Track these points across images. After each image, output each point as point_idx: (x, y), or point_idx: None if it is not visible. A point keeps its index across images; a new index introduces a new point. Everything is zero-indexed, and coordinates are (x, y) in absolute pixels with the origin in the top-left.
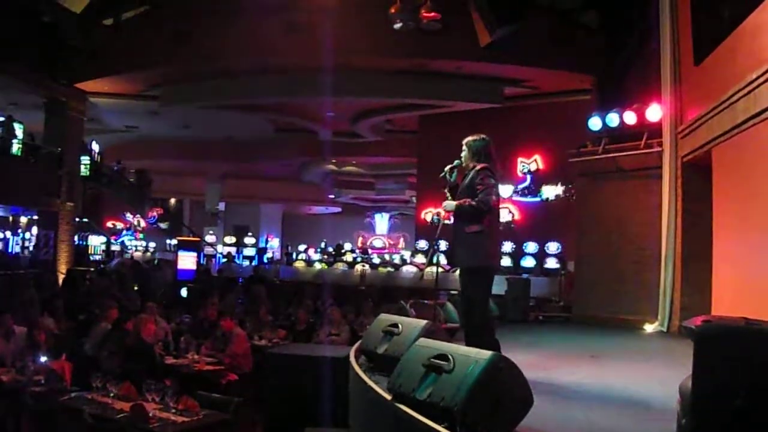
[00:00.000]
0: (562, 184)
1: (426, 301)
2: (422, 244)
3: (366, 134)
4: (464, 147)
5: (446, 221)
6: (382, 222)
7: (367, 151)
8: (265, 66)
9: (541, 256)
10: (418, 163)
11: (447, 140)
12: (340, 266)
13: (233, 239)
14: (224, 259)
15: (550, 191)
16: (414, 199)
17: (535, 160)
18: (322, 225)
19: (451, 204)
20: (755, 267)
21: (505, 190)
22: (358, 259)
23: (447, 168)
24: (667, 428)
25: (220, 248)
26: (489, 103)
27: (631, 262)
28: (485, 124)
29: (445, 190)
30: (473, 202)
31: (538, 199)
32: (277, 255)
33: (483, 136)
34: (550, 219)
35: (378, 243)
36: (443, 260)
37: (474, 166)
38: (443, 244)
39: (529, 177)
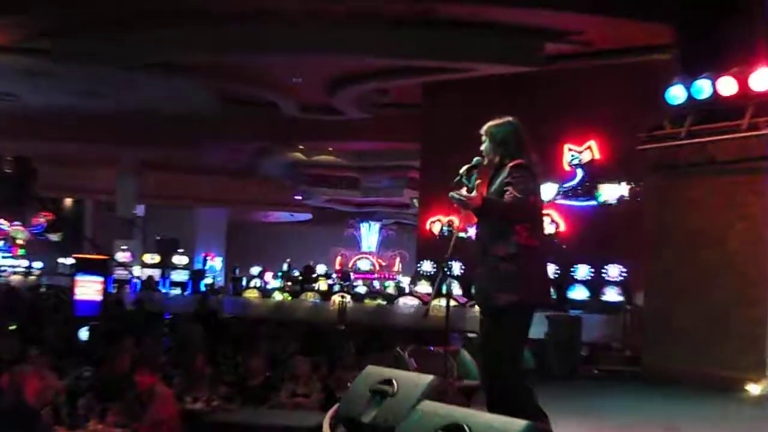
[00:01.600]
0: (627, 182)
1: (432, 348)
2: (427, 266)
3: (348, 110)
4: (484, 137)
5: (461, 234)
6: (370, 235)
7: (350, 133)
8: (208, 8)
9: (596, 284)
10: (421, 152)
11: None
12: (311, 297)
13: (156, 258)
14: (143, 287)
15: (610, 192)
16: (416, 202)
17: (589, 148)
18: (284, 238)
19: (466, 199)
20: None
21: (546, 190)
22: (336, 288)
23: (464, 169)
24: None
25: (137, 271)
26: (523, 65)
27: (730, 293)
28: (518, 96)
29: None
30: (510, 200)
31: (592, 202)
32: (220, 281)
33: (509, 119)
34: (610, 231)
35: (364, 265)
36: (456, 289)
37: (501, 163)
38: (457, 267)
39: (580, 172)
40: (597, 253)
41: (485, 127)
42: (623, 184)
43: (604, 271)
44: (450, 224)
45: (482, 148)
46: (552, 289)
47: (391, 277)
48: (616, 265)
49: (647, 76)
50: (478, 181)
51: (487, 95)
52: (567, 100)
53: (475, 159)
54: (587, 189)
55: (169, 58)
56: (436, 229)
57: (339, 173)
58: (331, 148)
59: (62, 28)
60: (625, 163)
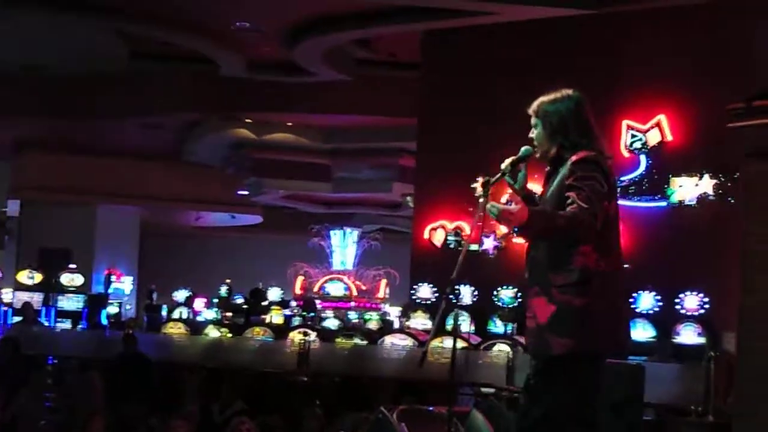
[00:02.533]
0: (712, 175)
1: (431, 409)
2: (425, 291)
3: (316, 68)
4: (534, 119)
5: (474, 246)
6: (344, 246)
7: (319, 102)
8: None
9: (666, 319)
10: (418, 131)
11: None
12: (260, 334)
13: (37, 277)
14: (17, 317)
15: (688, 188)
16: (410, 201)
17: (657, 126)
18: (223, 251)
19: (506, 213)
20: None
21: None
22: (296, 321)
23: (507, 163)
24: None
25: (7, 295)
26: (568, 7)
27: None
28: (553, 53)
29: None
30: (569, 214)
31: (661, 203)
32: (131, 311)
33: (568, 92)
34: (687, 244)
35: (336, 289)
36: (466, 325)
37: (560, 156)
38: (467, 293)
39: (643, 160)
40: (668, 275)
41: (535, 105)
42: (706, 177)
43: (677, 301)
44: (458, 232)
45: (533, 134)
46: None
47: (374, 306)
48: (694, 293)
49: (740, 22)
50: (525, 175)
51: (511, 51)
52: (624, 58)
53: (523, 149)
54: (654, 184)
55: None
56: (438, 239)
57: (302, 159)
58: (290, 123)
59: None
60: (710, 147)
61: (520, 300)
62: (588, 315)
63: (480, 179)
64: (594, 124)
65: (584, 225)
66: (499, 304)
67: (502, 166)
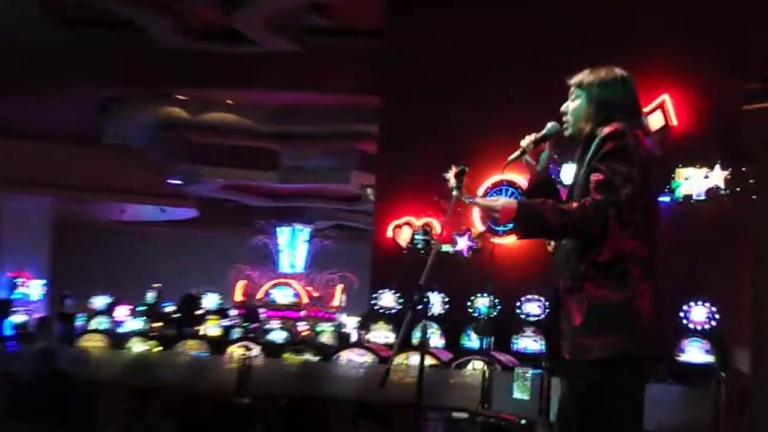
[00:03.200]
0: (724, 165)
1: None
2: (387, 299)
3: (261, 36)
4: (575, 92)
5: (445, 247)
6: (294, 246)
7: (264, 76)
8: None
9: (669, 333)
10: (382, 110)
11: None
12: (193, 348)
13: None
14: None
15: (695, 181)
16: (370, 193)
17: (661, 108)
18: (151, 250)
19: (490, 208)
20: None
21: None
22: (237, 334)
23: (529, 140)
24: None
25: None
26: None
27: None
28: (543, 16)
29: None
30: (573, 208)
31: (665, 199)
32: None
33: (622, 74)
34: (695, 246)
35: (284, 295)
36: (437, 339)
37: (592, 134)
38: (437, 301)
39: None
40: (671, 282)
41: (581, 79)
42: (718, 167)
43: (683, 312)
44: (427, 231)
45: (566, 107)
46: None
47: (327, 316)
48: (701, 303)
49: None
50: (548, 156)
51: (495, 18)
52: (621, 30)
53: (550, 125)
54: (657, 176)
55: None
56: (403, 238)
57: (244, 143)
58: (231, 101)
59: None
60: (723, 133)
61: (498, 309)
62: (630, 311)
63: (453, 168)
64: (641, 108)
65: (590, 222)
66: (474, 314)
67: (523, 143)
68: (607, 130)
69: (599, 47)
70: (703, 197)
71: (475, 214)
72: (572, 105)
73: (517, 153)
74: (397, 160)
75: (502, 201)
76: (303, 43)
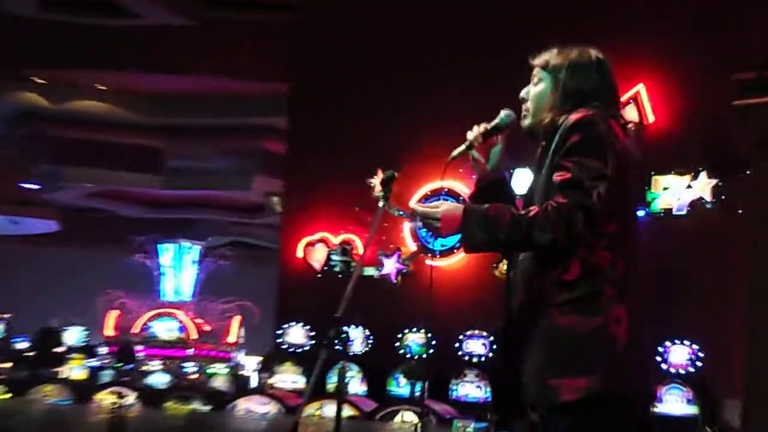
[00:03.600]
0: (709, 173)
1: None
2: (296, 334)
3: (141, 7)
4: (538, 75)
5: (369, 270)
6: (180, 268)
7: (145, 57)
8: None
9: None
10: (290, 102)
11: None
12: (51, 394)
13: None
14: None
15: (676, 191)
16: (277, 203)
17: (635, 100)
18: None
19: (423, 211)
20: None
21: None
22: (107, 377)
23: (477, 131)
24: None
25: None
26: None
27: None
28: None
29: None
30: (533, 213)
31: (640, 213)
32: None
33: (598, 56)
34: (674, 271)
35: (166, 329)
36: (357, 384)
37: (554, 126)
38: (358, 337)
39: None
40: (646, 316)
41: (546, 58)
42: (703, 175)
43: (661, 354)
44: (346, 250)
45: (527, 92)
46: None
47: (221, 355)
48: (683, 343)
49: None
50: (500, 150)
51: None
52: (587, 7)
53: (503, 113)
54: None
55: None
56: (316, 258)
57: (120, 139)
58: (103, 87)
59: None
60: (708, 134)
61: (434, 348)
62: (602, 341)
63: (380, 173)
64: (619, 96)
65: (554, 230)
66: (404, 354)
67: (470, 135)
68: (573, 117)
69: (562, 25)
70: (684, 211)
71: (407, 229)
72: (534, 90)
73: (462, 147)
74: (310, 162)
75: (444, 207)
76: (196, 16)
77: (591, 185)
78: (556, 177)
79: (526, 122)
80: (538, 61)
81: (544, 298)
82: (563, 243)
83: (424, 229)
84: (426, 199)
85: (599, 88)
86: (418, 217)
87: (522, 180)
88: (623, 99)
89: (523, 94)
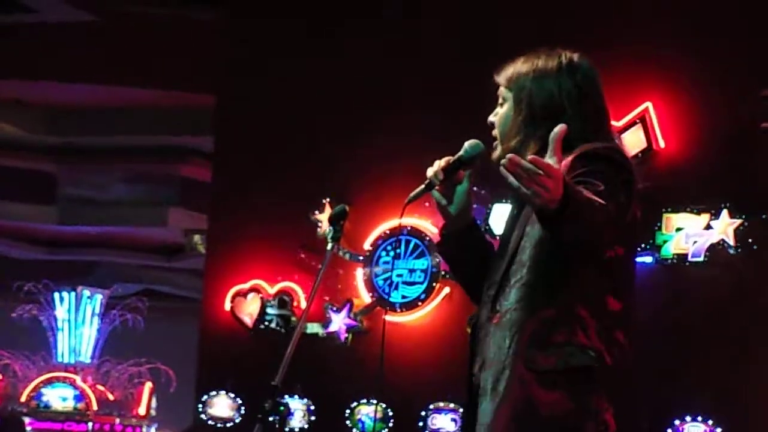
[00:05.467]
0: (732, 210)
1: None
2: (222, 405)
3: (43, 4)
4: (503, 90)
5: (312, 326)
6: (78, 324)
7: (39, 61)
8: None
9: None
10: (217, 116)
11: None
12: None
13: None
14: None
15: (691, 233)
16: (199, 243)
17: (641, 122)
18: None
19: (546, 173)
20: None
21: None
22: None
23: (437, 166)
24: None
25: None
26: None
27: None
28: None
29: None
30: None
31: (646, 259)
32: None
33: (571, 57)
34: (688, 331)
35: (61, 397)
36: None
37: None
38: (299, 410)
39: None
40: (655, 387)
41: (509, 71)
42: (724, 214)
43: None
44: (284, 301)
45: (494, 117)
46: None
47: (129, 430)
48: (697, 420)
49: None
50: (465, 191)
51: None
52: (585, 16)
53: (469, 145)
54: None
55: None
56: (248, 311)
57: (5, 161)
58: None
59: None
60: (731, 162)
61: (392, 424)
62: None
63: (328, 207)
64: (608, 114)
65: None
66: (355, 430)
67: (430, 172)
68: (580, 151)
69: (557, 37)
70: (702, 257)
71: (360, 276)
72: (500, 112)
73: (422, 187)
74: (241, 193)
75: (552, 164)
76: (101, 11)
77: (621, 209)
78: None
79: (496, 153)
80: (500, 76)
81: (519, 360)
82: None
83: (516, 184)
84: (382, 240)
85: (577, 104)
86: (513, 173)
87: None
88: (627, 120)
89: (491, 118)
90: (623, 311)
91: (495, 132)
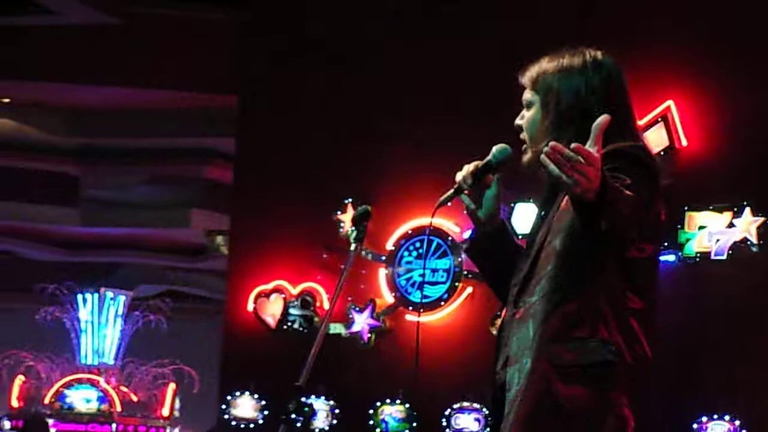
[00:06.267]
0: (756, 208)
1: None
2: (245, 405)
3: (57, 2)
4: (528, 93)
5: (336, 326)
6: (102, 325)
7: (59, 63)
8: None
9: None
10: (240, 117)
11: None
12: None
13: None
14: None
15: (714, 231)
16: (221, 244)
17: (663, 120)
18: None
19: (585, 164)
20: None
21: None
22: None
23: (467, 171)
24: None
25: None
26: None
27: None
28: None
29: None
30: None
31: (669, 257)
32: None
33: (595, 55)
34: (711, 330)
35: (85, 399)
36: None
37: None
38: (323, 410)
39: None
40: (677, 386)
41: (534, 72)
42: (747, 212)
43: (696, 430)
44: (307, 301)
45: (521, 119)
46: None
47: (152, 431)
48: (722, 419)
49: None
50: (495, 194)
51: None
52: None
53: (497, 149)
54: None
55: None
56: (271, 312)
57: (27, 163)
58: (7, 99)
59: None
60: (755, 161)
61: (417, 424)
62: (607, 422)
63: (350, 208)
64: (634, 115)
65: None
66: (379, 430)
67: (459, 176)
68: (610, 147)
69: (576, 34)
70: (725, 255)
71: (383, 277)
72: (527, 115)
73: (451, 192)
74: (263, 194)
75: (592, 150)
76: (124, 14)
77: (647, 207)
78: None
79: (525, 157)
80: (525, 77)
81: (543, 355)
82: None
83: (557, 172)
84: (404, 241)
85: (604, 102)
86: (553, 156)
87: (523, 216)
88: (649, 118)
89: (517, 121)
90: (645, 309)
91: (523, 135)
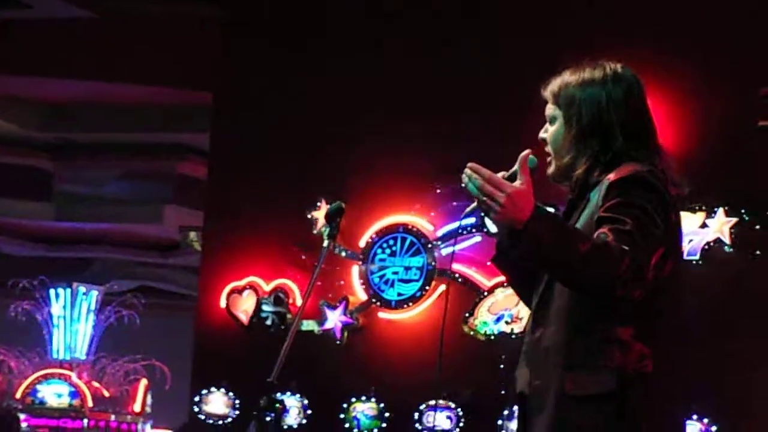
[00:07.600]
0: (729, 209)
1: None
2: (217, 402)
3: None
4: (551, 107)
5: (308, 323)
6: (73, 321)
7: (33, 57)
8: None
9: None
10: (214, 114)
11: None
12: None
13: None
14: None
15: (687, 231)
16: (194, 240)
17: None
18: None
19: (504, 194)
20: None
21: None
22: None
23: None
24: None
25: None
26: None
27: None
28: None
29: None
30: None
31: None
32: None
33: (616, 68)
34: (683, 332)
35: (56, 394)
36: None
37: (586, 179)
38: (294, 407)
39: None
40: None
41: (556, 86)
42: (720, 212)
43: None
44: (280, 298)
45: (545, 133)
46: None
47: (124, 426)
48: (695, 419)
49: None
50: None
51: None
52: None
53: (525, 159)
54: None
55: None
56: (243, 308)
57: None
58: None
59: None
60: (727, 161)
61: (388, 421)
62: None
63: (323, 204)
64: (655, 128)
65: (621, 273)
66: (350, 427)
67: (465, 178)
68: (614, 175)
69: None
70: (697, 256)
71: (356, 274)
72: (551, 129)
73: (473, 205)
74: (236, 190)
75: (516, 185)
76: (99, 8)
77: (646, 245)
78: (606, 229)
79: (551, 171)
80: (547, 90)
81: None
82: (618, 289)
83: (476, 202)
84: (377, 237)
85: (624, 115)
86: (470, 181)
87: None
88: None
89: (542, 134)
90: (665, 334)
91: (548, 149)
